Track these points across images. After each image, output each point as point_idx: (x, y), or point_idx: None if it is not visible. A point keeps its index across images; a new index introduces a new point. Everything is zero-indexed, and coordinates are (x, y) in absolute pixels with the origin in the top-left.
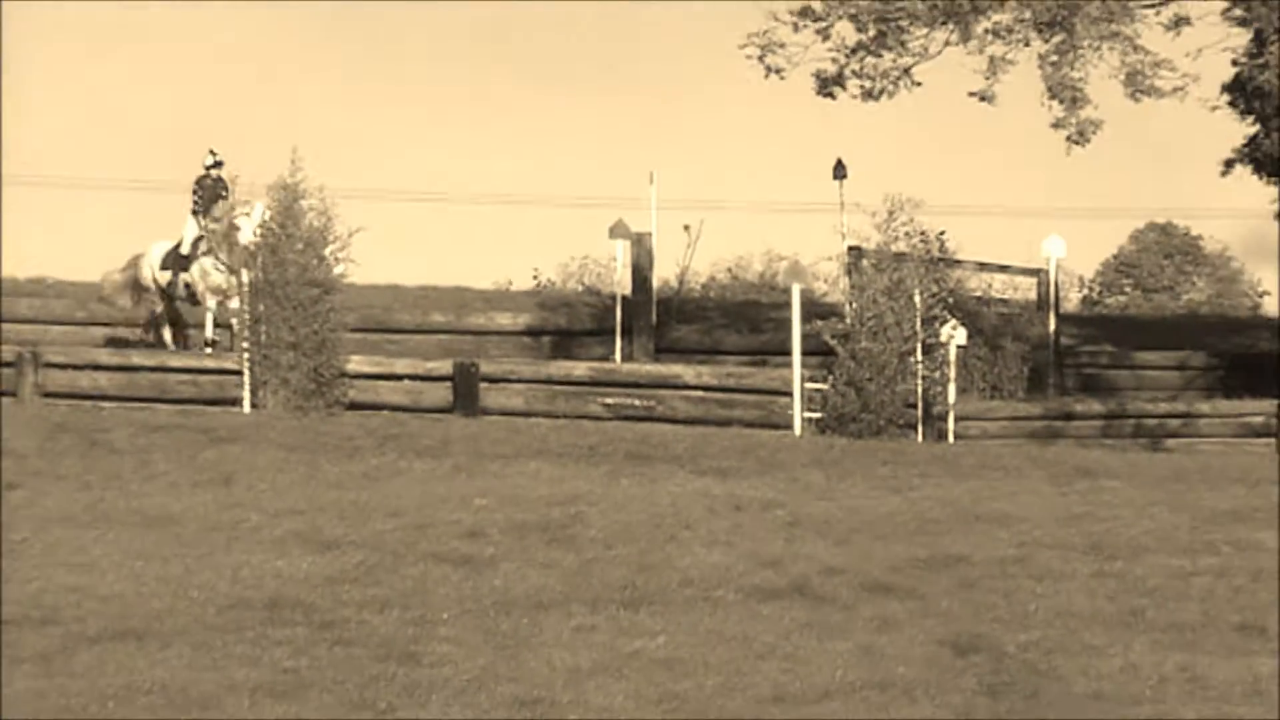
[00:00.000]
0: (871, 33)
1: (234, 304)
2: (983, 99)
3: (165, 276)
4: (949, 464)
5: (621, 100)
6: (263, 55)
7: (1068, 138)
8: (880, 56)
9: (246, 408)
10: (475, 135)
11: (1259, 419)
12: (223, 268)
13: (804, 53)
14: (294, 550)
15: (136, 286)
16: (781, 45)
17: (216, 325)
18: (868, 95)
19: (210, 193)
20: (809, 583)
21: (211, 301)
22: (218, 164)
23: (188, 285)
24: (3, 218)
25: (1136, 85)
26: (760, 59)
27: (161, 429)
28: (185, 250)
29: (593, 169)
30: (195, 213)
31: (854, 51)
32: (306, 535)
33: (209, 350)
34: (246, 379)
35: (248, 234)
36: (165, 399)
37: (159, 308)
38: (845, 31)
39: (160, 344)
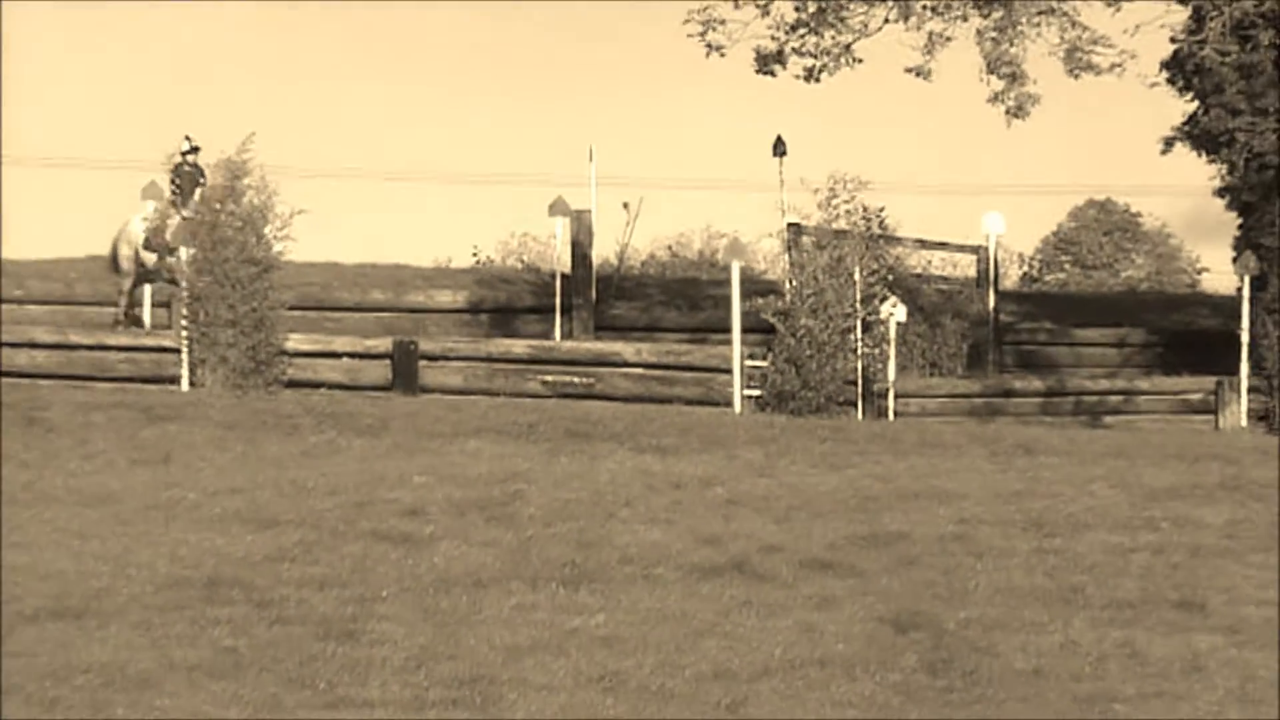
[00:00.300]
0: (811, 9)
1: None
2: (919, 75)
3: (150, 258)
4: (889, 441)
5: (561, 77)
6: (202, 33)
7: (1006, 111)
8: (820, 35)
9: (185, 386)
10: (415, 113)
11: (1197, 395)
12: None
13: (744, 29)
14: (233, 529)
15: (115, 261)
16: (722, 22)
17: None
18: (809, 75)
19: (189, 181)
20: (749, 560)
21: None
22: (194, 149)
23: (170, 270)
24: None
25: (1075, 62)
26: (701, 36)
27: (100, 407)
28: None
29: (532, 146)
30: (173, 202)
31: (794, 29)
32: (245, 514)
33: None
34: (185, 357)
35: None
36: (103, 377)
37: (127, 282)
38: (785, 9)
39: (137, 322)
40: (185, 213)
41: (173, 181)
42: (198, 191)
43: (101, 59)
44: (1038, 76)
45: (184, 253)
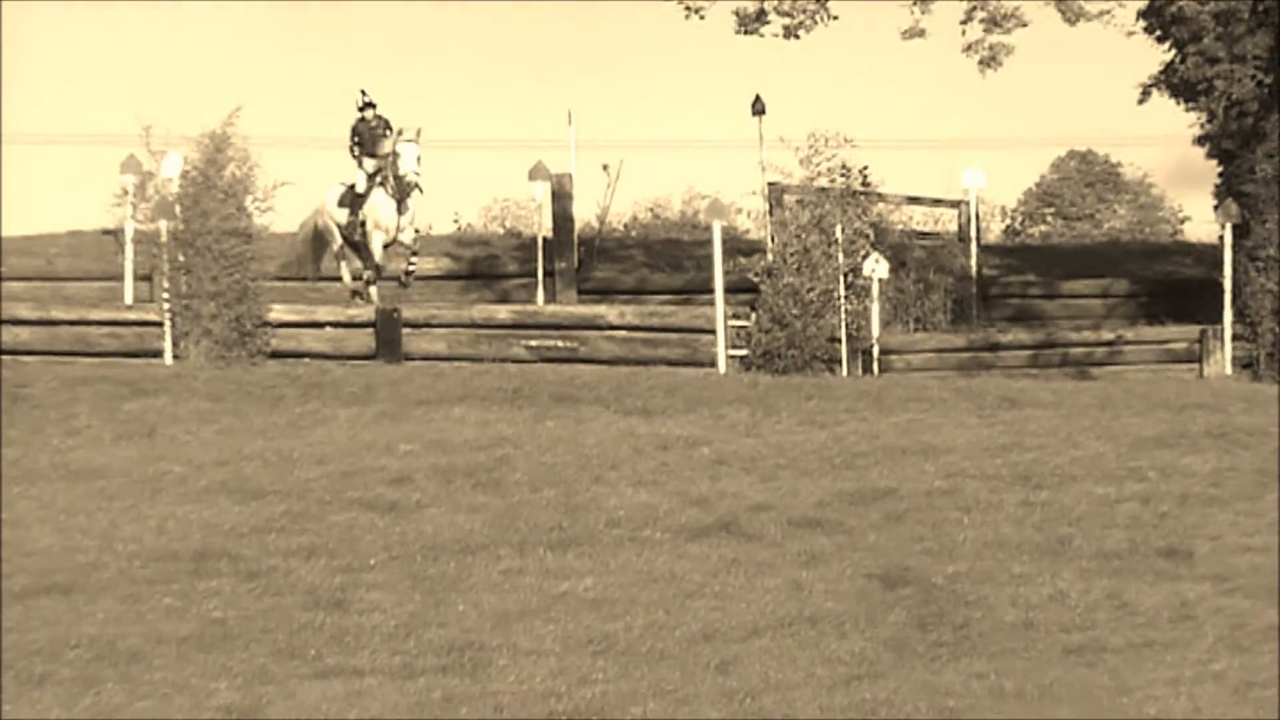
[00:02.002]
0: None
1: (406, 236)
2: (914, 36)
3: (343, 215)
4: (874, 398)
5: (539, 41)
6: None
7: (980, 61)
8: None
9: (168, 359)
10: (392, 79)
11: (1182, 345)
12: (392, 202)
13: None
14: (220, 501)
15: (318, 237)
16: None
17: (375, 272)
18: (787, 33)
19: (370, 134)
20: (736, 520)
21: (377, 237)
22: (369, 105)
23: (363, 224)
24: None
25: (1069, 9)
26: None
27: (83, 382)
28: (360, 189)
29: (511, 111)
30: (357, 156)
31: None
32: (232, 485)
33: (363, 285)
34: (168, 330)
35: (409, 163)
36: (87, 352)
37: (336, 246)
38: None
39: (359, 295)
40: (370, 166)
41: (353, 138)
42: (383, 143)
43: (74, 31)
44: (1028, 23)
45: (164, 225)
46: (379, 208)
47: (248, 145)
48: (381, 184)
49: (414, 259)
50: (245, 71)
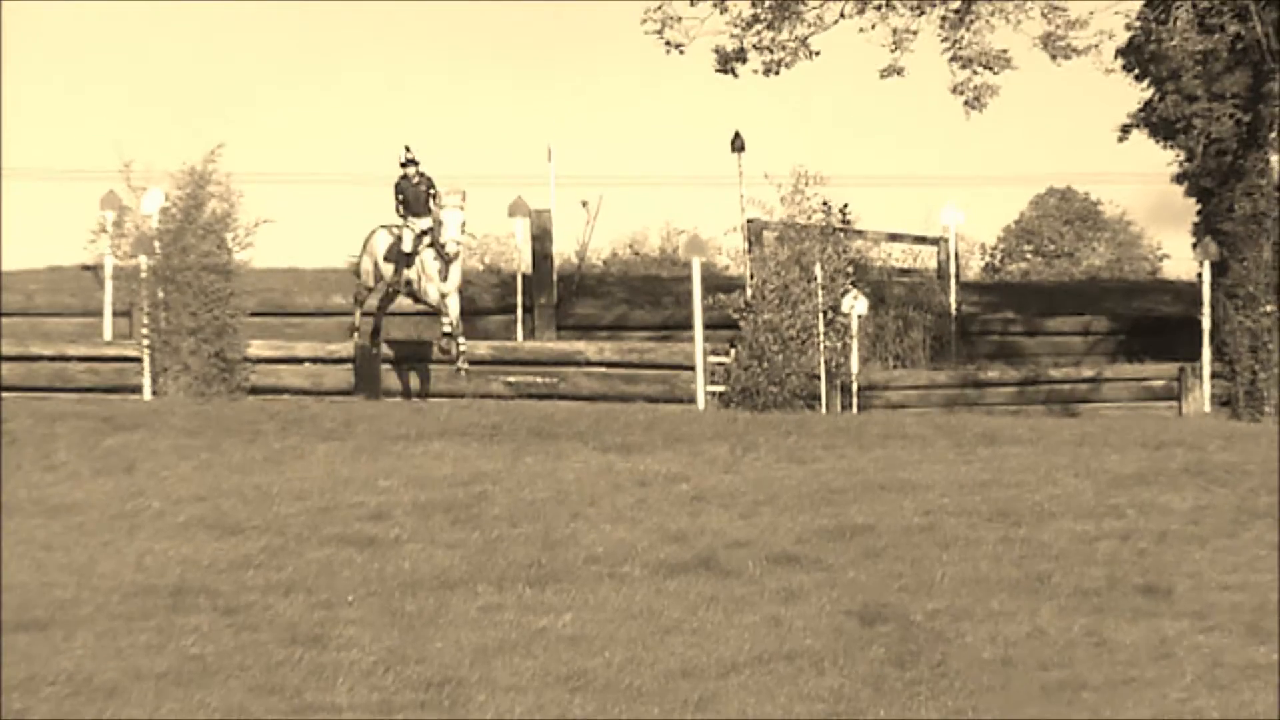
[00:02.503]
0: (767, 3)
1: (451, 306)
2: (892, 74)
3: (389, 269)
4: (853, 434)
5: (518, 77)
6: (154, 40)
7: (965, 102)
8: (777, 29)
9: (147, 394)
10: (373, 115)
11: (1160, 382)
12: (439, 264)
13: (701, 26)
14: (198, 536)
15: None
16: (679, 19)
17: (453, 328)
18: (768, 70)
19: (413, 194)
20: (715, 556)
21: (432, 290)
22: (411, 162)
23: (409, 282)
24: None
25: (1054, 47)
26: (659, 34)
27: (62, 417)
28: (407, 248)
29: (491, 147)
30: (403, 215)
31: (750, 24)
32: (210, 521)
33: (450, 342)
34: (147, 365)
35: (452, 231)
36: (65, 388)
37: (365, 293)
38: (742, 5)
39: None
40: (419, 225)
41: (397, 196)
42: (430, 203)
43: (53, 67)
44: (1014, 63)
45: (143, 261)
46: (427, 266)
47: (229, 182)
48: (430, 244)
49: (462, 343)
50: (226, 108)
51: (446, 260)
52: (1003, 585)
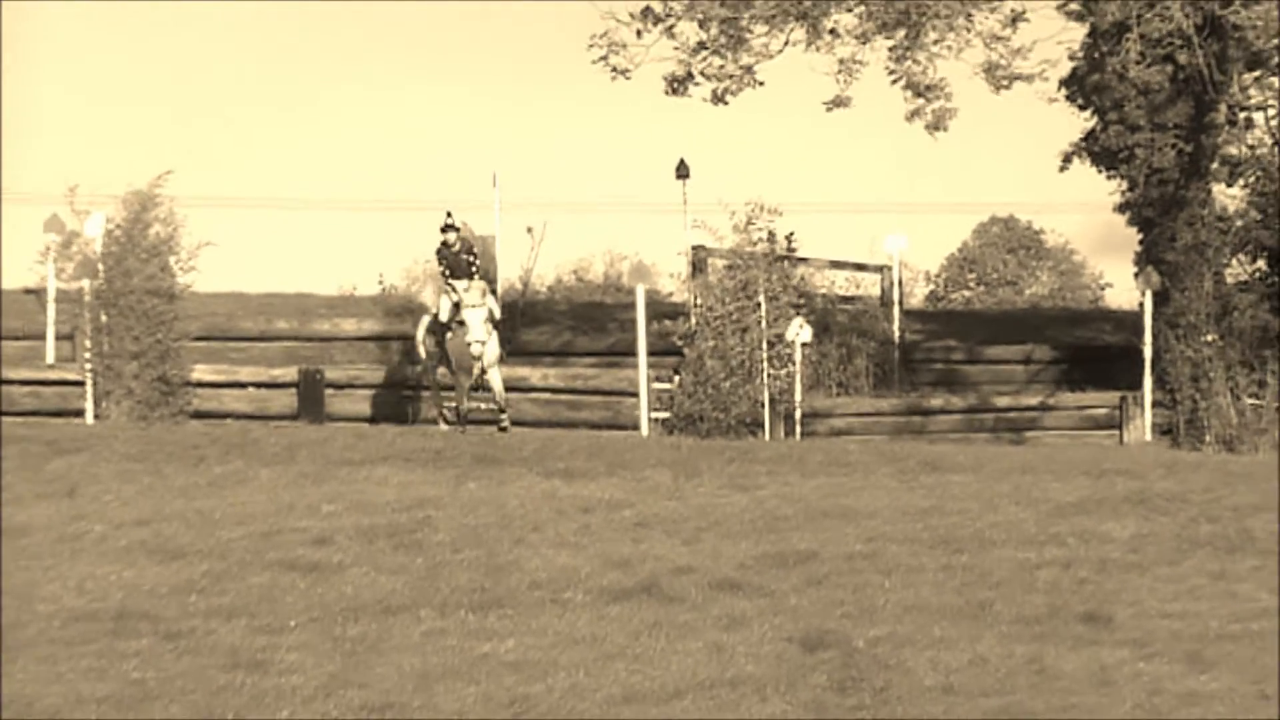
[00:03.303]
0: (714, 32)
1: (494, 377)
2: (839, 105)
3: (430, 343)
4: (796, 461)
5: (463, 102)
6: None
7: (926, 126)
8: (724, 57)
9: (90, 418)
10: (315, 140)
11: (1102, 411)
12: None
13: (647, 53)
14: (140, 560)
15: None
16: (624, 46)
17: (476, 389)
18: (716, 98)
19: (454, 261)
20: (658, 582)
21: (475, 369)
22: (450, 228)
23: (445, 355)
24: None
25: (996, 79)
26: (604, 60)
27: (4, 441)
28: (444, 317)
29: (436, 172)
30: (448, 283)
31: (696, 51)
32: (153, 545)
33: (498, 414)
34: (90, 389)
35: (477, 333)
36: (8, 411)
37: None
38: (689, 30)
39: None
40: (466, 298)
41: (440, 264)
42: (471, 275)
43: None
44: (952, 92)
45: (87, 285)
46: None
47: (173, 205)
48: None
49: (504, 419)
50: (169, 131)
51: (483, 340)
52: (945, 613)
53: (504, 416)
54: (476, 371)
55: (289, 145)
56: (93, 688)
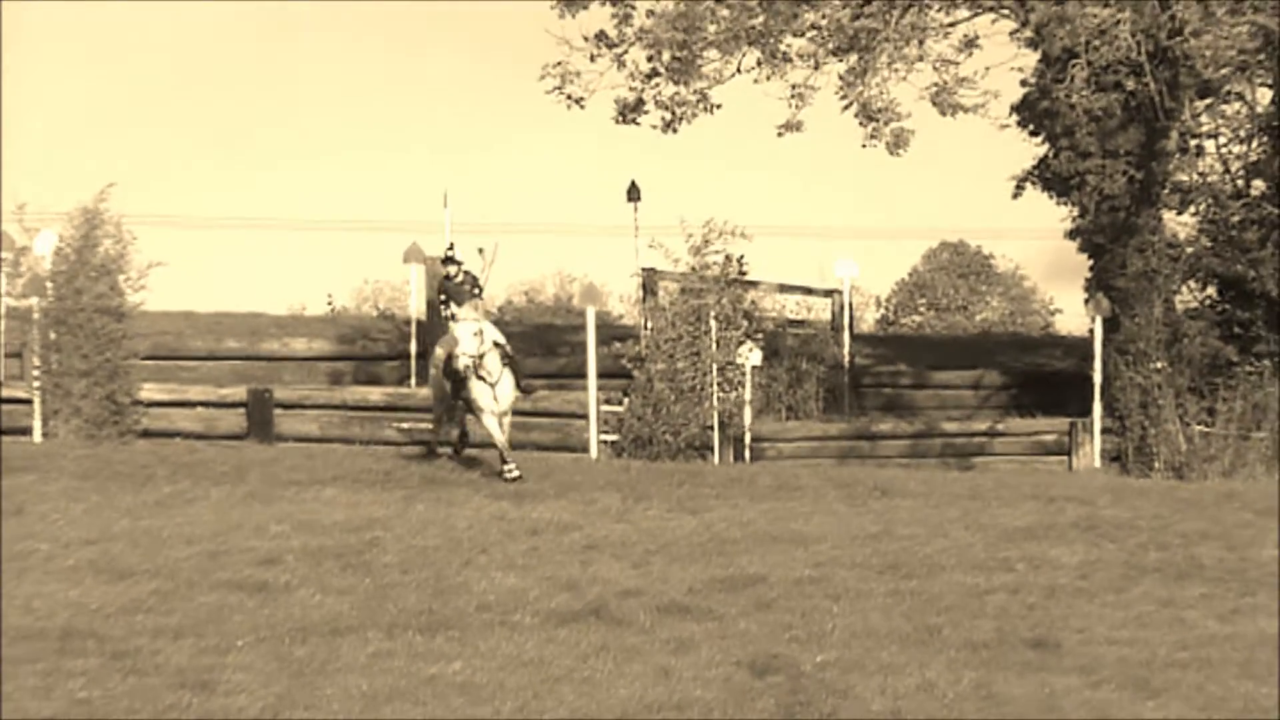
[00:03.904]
0: (666, 58)
1: (494, 424)
2: (791, 129)
3: (447, 385)
4: (746, 485)
5: (414, 123)
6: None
7: (886, 146)
8: (678, 84)
9: (38, 437)
10: (265, 159)
11: (1052, 437)
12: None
13: (600, 79)
14: (87, 580)
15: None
16: (578, 74)
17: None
18: (667, 126)
19: (457, 294)
20: (606, 605)
21: (488, 420)
22: (449, 260)
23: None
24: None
25: (943, 103)
26: (559, 89)
27: None
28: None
29: (386, 193)
30: (449, 316)
31: (649, 78)
32: (100, 564)
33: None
34: (38, 407)
35: (465, 345)
36: None
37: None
38: (640, 59)
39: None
40: (459, 312)
41: (441, 300)
42: (471, 306)
43: None
44: (905, 114)
45: (35, 302)
46: (472, 384)
47: (121, 223)
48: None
49: (509, 469)
50: (120, 150)
51: (488, 380)
52: (893, 638)
53: (508, 470)
54: (487, 418)
55: (239, 164)
56: (39, 706)
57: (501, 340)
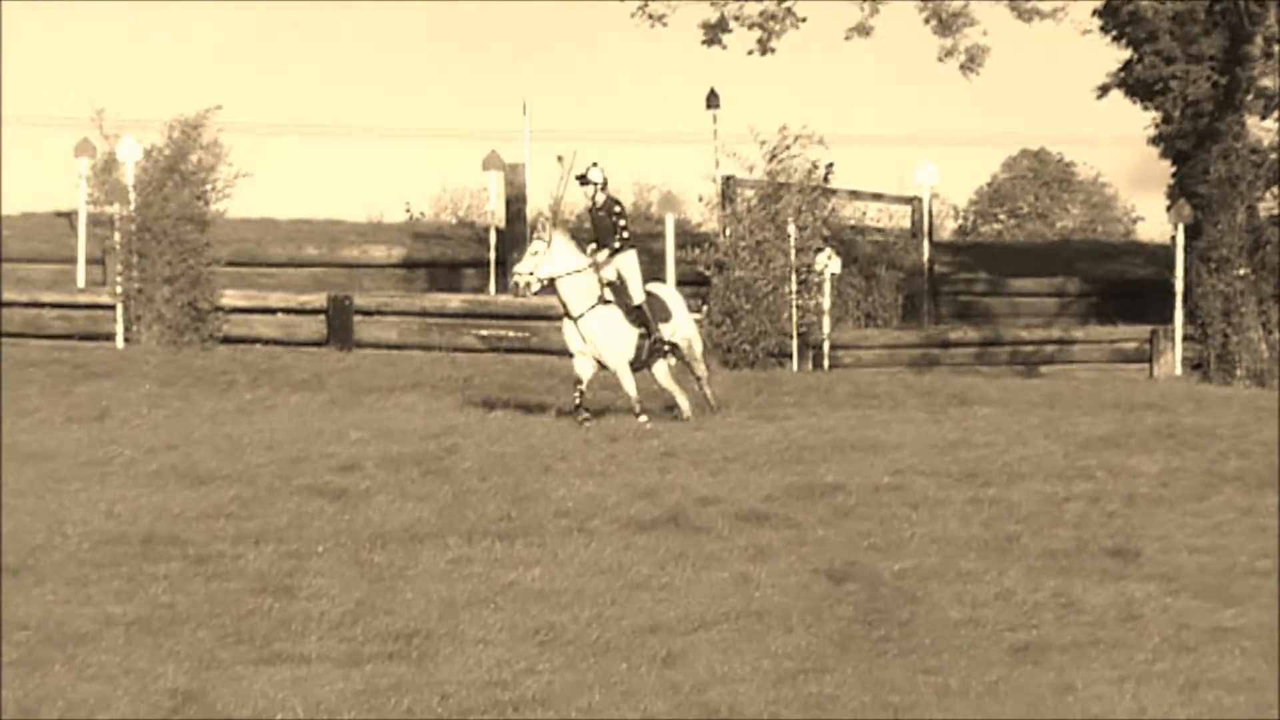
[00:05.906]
0: None
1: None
2: (861, 33)
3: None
4: (823, 393)
5: (494, 31)
6: None
7: (960, 66)
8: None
9: (120, 343)
10: (347, 69)
11: (1132, 345)
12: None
13: None
14: (169, 485)
15: None
16: None
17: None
18: (763, 48)
19: (597, 222)
20: (684, 513)
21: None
22: (583, 180)
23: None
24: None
25: (1019, 7)
26: (642, 9)
27: (34, 364)
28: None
29: (465, 101)
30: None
31: None
32: (181, 470)
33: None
34: (120, 314)
35: (523, 264)
36: (38, 334)
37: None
38: None
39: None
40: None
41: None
42: (622, 243)
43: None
44: (978, 22)
45: (118, 210)
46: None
47: (219, 136)
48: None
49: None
50: (195, 59)
51: (573, 316)
52: (971, 546)
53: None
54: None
55: (318, 72)
56: (121, 610)
57: (633, 290)
